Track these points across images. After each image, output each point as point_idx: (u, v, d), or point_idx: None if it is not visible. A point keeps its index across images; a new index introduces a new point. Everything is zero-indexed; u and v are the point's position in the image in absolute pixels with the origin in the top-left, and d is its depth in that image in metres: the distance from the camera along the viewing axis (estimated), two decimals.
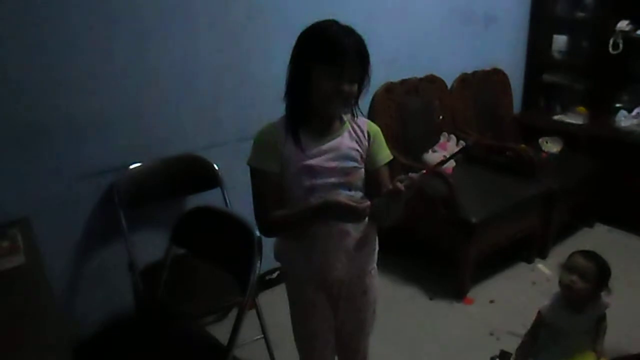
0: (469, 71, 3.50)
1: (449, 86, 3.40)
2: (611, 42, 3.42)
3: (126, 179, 2.26)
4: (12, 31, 1.91)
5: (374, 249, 1.67)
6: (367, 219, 1.50)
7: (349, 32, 1.40)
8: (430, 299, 2.83)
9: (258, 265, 1.57)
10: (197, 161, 2.41)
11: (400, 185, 1.33)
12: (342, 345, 1.76)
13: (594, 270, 1.96)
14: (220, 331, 2.51)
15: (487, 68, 3.62)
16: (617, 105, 3.54)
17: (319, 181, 1.46)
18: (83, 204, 2.24)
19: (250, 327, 2.33)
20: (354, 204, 1.35)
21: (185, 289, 2.11)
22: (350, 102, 1.44)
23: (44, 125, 2.05)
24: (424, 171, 1.40)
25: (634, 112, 3.40)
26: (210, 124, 2.48)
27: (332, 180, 1.47)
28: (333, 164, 1.47)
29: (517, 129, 3.71)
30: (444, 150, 3.15)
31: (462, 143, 3.25)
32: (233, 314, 2.64)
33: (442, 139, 3.22)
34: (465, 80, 3.47)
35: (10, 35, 1.91)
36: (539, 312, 2.10)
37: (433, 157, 3.09)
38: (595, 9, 3.53)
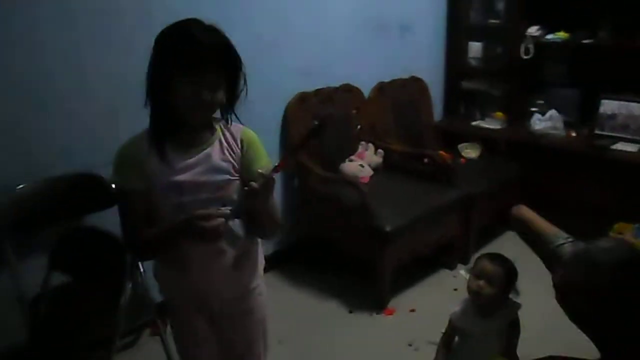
0: (387, 80, 3.49)
1: (366, 95, 3.37)
2: (523, 47, 3.49)
3: (10, 202, 2.09)
4: None
5: (257, 266, 1.58)
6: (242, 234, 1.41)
7: (210, 33, 1.28)
8: (350, 312, 2.75)
9: (127, 288, 1.45)
10: (90, 179, 2.25)
11: (254, 185, 1.24)
12: None
13: (500, 274, 1.92)
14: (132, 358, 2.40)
15: (405, 76, 3.62)
16: (532, 109, 3.59)
17: (188, 198, 1.35)
18: None
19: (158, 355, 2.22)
20: (205, 224, 1.25)
21: (73, 318, 1.95)
22: (214, 111, 1.34)
23: None
24: (278, 163, 1.31)
25: (547, 115, 3.46)
26: (109, 136, 2.34)
27: (203, 196, 1.36)
28: (202, 179, 1.36)
29: (437, 136, 3.73)
30: (361, 160, 3.12)
31: (380, 152, 3.23)
32: (145, 339, 2.54)
33: (361, 148, 3.19)
34: (382, 88, 3.45)
35: None
36: (450, 319, 2.06)
37: (350, 166, 3.05)
38: (507, 16, 3.60)
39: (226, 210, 1.28)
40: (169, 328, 2.37)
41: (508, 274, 1.95)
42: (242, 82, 1.37)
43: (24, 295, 2.02)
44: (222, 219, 1.27)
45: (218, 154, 1.39)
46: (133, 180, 1.35)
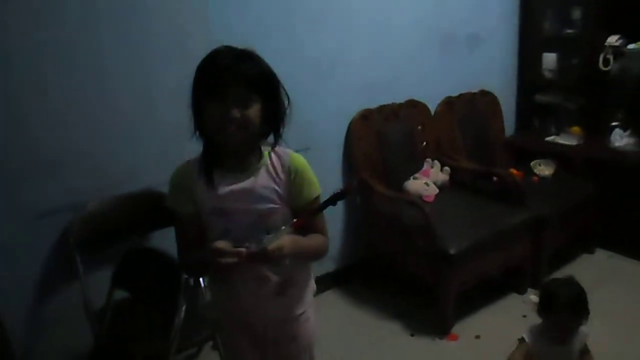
0: (455, 94, 3.39)
1: (432, 111, 3.28)
2: (601, 58, 3.29)
3: (81, 219, 2.18)
4: None
5: (304, 293, 1.55)
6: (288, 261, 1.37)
7: (235, 53, 1.28)
8: (412, 335, 2.67)
9: (182, 308, 1.48)
10: (156, 197, 2.32)
11: (265, 250, 1.25)
12: None
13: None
14: None
15: (475, 90, 3.50)
16: (613, 124, 3.37)
17: (232, 224, 1.36)
18: (37, 246, 2.17)
19: None
20: (219, 259, 1.25)
21: (132, 332, 2.01)
22: (247, 129, 1.29)
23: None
24: (295, 220, 1.31)
25: (629, 131, 3.23)
26: (171, 157, 2.39)
27: (246, 222, 1.37)
28: (245, 206, 1.37)
29: (508, 153, 3.57)
30: (426, 177, 3.04)
31: (446, 170, 3.13)
32: (206, 352, 2.58)
33: (426, 166, 3.11)
34: (450, 103, 3.35)
35: None
36: (523, 340, 1.98)
37: (414, 185, 2.97)
38: (583, 25, 3.40)
39: (245, 248, 1.27)
40: None
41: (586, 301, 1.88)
42: (282, 101, 1.36)
43: (90, 306, 2.11)
44: (236, 259, 1.26)
45: (263, 181, 1.38)
46: (183, 203, 1.39)
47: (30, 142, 2.06)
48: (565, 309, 1.85)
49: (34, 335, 2.25)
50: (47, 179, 2.12)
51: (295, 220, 1.32)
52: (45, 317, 2.25)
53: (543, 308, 1.93)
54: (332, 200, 1.31)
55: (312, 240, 1.43)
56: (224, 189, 1.36)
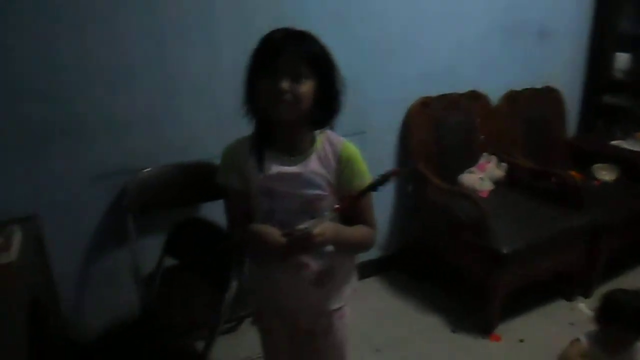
0: (518, 88, 3.26)
1: (493, 103, 3.17)
2: None
3: (137, 183, 2.21)
4: (26, 31, 1.90)
5: (343, 287, 1.51)
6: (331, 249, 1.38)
7: (292, 32, 1.28)
8: (453, 331, 2.61)
9: (234, 283, 1.47)
10: (211, 169, 2.33)
11: (308, 234, 1.23)
12: None
13: None
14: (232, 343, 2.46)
15: (539, 86, 3.36)
16: None
17: (278, 205, 1.35)
18: (93, 206, 2.22)
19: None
20: (270, 239, 1.26)
21: (179, 300, 2.03)
22: (299, 104, 1.26)
23: (58, 125, 2.05)
24: (337, 205, 1.28)
25: None
26: (229, 133, 2.40)
27: (292, 206, 1.35)
28: (293, 190, 1.35)
29: (569, 154, 3.42)
30: (482, 172, 2.95)
31: (503, 166, 3.03)
32: (245, 327, 2.60)
33: (482, 160, 3.02)
34: (512, 97, 3.23)
35: (25, 35, 1.91)
36: (578, 341, 1.93)
37: (469, 178, 2.89)
38: None
39: (290, 233, 1.25)
40: None
41: None
42: (337, 85, 1.33)
43: (139, 271, 2.14)
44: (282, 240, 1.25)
45: (313, 167, 1.36)
46: (233, 180, 1.39)
47: (93, 103, 2.09)
48: (629, 322, 1.78)
49: (82, 295, 2.31)
50: (106, 141, 2.15)
51: (337, 205, 1.29)
52: (95, 277, 2.30)
53: (604, 316, 1.86)
54: (377, 184, 1.28)
55: (357, 231, 1.40)
56: (274, 171, 1.34)
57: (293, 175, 1.34)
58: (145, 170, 2.23)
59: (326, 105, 1.33)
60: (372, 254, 3.02)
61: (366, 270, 2.90)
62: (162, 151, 2.28)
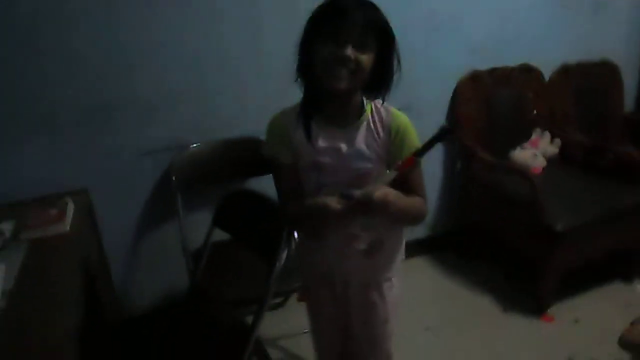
0: (572, 62, 3.12)
1: (546, 77, 3.05)
2: None
3: (185, 158, 2.24)
4: (82, 9, 1.93)
5: (392, 258, 1.48)
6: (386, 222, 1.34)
7: (358, 0, 1.20)
8: (504, 310, 2.55)
9: (284, 255, 1.46)
10: (258, 145, 2.32)
11: (369, 196, 1.17)
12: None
13: None
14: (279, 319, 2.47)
15: (595, 59, 3.20)
16: None
17: (328, 179, 1.31)
18: (143, 180, 2.25)
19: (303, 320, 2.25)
20: (330, 204, 1.20)
21: (229, 275, 2.04)
22: (358, 73, 1.21)
23: (110, 100, 2.08)
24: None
25: None
26: (277, 109, 2.38)
27: (341, 180, 1.30)
28: (343, 163, 1.30)
29: (626, 129, 3.27)
30: (535, 148, 2.84)
31: (557, 142, 2.92)
32: (291, 302, 2.60)
33: (535, 135, 2.91)
34: (566, 71, 3.09)
35: (81, 12, 1.93)
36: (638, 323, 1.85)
37: (521, 155, 2.79)
38: None
39: (350, 196, 1.20)
40: None
41: None
42: (394, 58, 1.27)
43: (188, 246, 2.16)
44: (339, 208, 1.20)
45: (363, 139, 1.31)
46: (281, 151, 1.34)
47: (146, 80, 2.11)
48: None
49: (132, 267, 2.35)
50: (156, 118, 2.17)
51: (401, 162, 1.22)
52: (144, 251, 2.35)
53: None
54: (434, 142, 1.21)
55: (413, 200, 1.34)
56: (322, 143, 1.30)
57: (343, 147, 1.31)
58: (193, 145, 2.24)
59: (381, 78, 1.27)
60: (421, 232, 2.97)
61: (415, 250, 2.85)
62: (209, 127, 2.28)
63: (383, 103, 1.34)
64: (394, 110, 1.36)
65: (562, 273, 2.47)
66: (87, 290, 1.58)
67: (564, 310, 2.52)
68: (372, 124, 1.33)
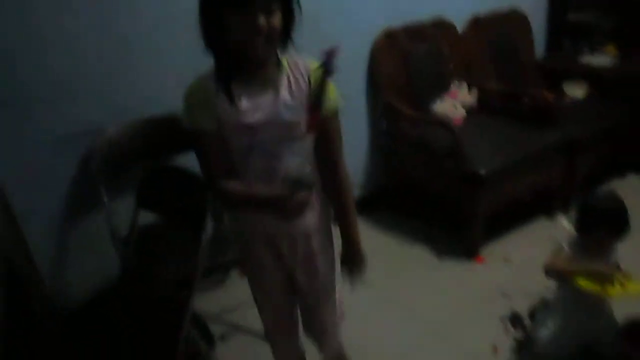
0: (483, 13, 3.21)
1: (460, 30, 3.13)
2: None
3: (102, 143, 2.14)
4: None
5: (317, 210, 1.48)
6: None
7: None
8: (439, 257, 2.65)
9: (209, 227, 1.43)
10: (176, 121, 2.26)
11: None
12: (307, 319, 1.64)
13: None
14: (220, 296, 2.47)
15: (504, 9, 3.31)
16: None
17: (258, 138, 1.29)
18: (61, 170, 2.15)
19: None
20: (288, 205, 1.29)
21: (161, 255, 2.00)
22: (274, 38, 1.21)
23: (19, 87, 1.96)
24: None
25: None
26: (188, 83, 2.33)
27: (272, 136, 1.30)
28: (271, 118, 1.29)
29: (538, 75, 3.42)
30: (454, 100, 2.93)
31: (474, 91, 3.02)
32: (233, 278, 2.59)
33: (453, 88, 2.99)
34: (478, 23, 3.18)
35: None
36: (561, 248, 1.93)
37: (442, 106, 2.87)
38: None
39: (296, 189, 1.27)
40: None
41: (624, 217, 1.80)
42: (298, 9, 1.26)
43: (116, 231, 2.09)
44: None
45: (286, 91, 1.30)
46: (204, 120, 1.28)
47: (46, 65, 2.00)
48: (607, 223, 1.79)
49: (62, 262, 2.26)
50: (64, 103, 2.07)
51: (308, 120, 1.25)
52: (72, 244, 2.25)
53: (583, 224, 1.87)
54: (325, 66, 1.21)
55: (349, 199, 1.46)
56: (247, 103, 1.28)
57: (268, 103, 1.29)
58: (110, 129, 2.16)
59: (289, 28, 1.26)
60: (353, 193, 3.00)
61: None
62: (128, 107, 2.20)
63: (290, 51, 1.33)
64: (309, 59, 1.35)
65: (489, 215, 2.58)
66: (12, 290, 1.51)
67: (494, 251, 2.65)
68: (291, 76, 1.32)
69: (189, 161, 2.13)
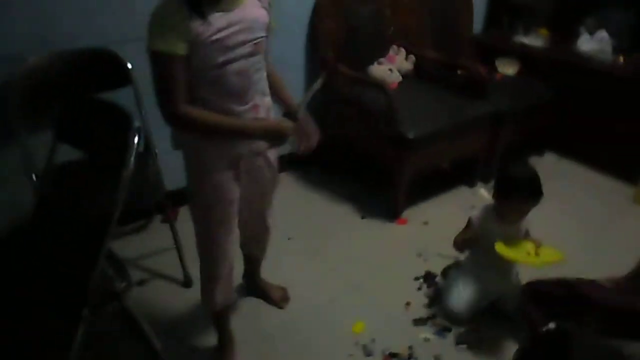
0: None
1: None
2: None
3: (22, 73, 2.00)
4: None
5: None
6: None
7: None
8: (363, 217, 2.71)
9: (131, 163, 1.39)
10: (107, 56, 2.16)
11: None
12: (251, 212, 1.76)
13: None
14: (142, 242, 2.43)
15: None
16: (581, 28, 3.33)
17: (231, 55, 1.37)
18: None
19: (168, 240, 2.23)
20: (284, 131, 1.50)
21: (80, 193, 1.92)
22: None
23: None
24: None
25: (596, 36, 3.21)
26: (125, 16, 2.22)
27: (243, 51, 1.39)
28: (243, 36, 1.37)
29: (474, 49, 3.50)
30: (391, 64, 2.95)
31: (411, 58, 3.05)
32: (155, 225, 2.55)
33: (391, 52, 3.02)
34: None
35: None
36: (469, 221, 2.08)
37: (379, 70, 2.89)
38: None
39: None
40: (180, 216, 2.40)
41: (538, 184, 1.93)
42: None
43: (32, 167, 1.99)
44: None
45: (254, 10, 1.41)
46: (176, 43, 1.30)
47: None
48: (523, 190, 1.89)
49: None
50: None
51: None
52: None
53: (500, 191, 1.97)
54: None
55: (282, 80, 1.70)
56: (219, 21, 1.33)
57: (240, 20, 1.36)
58: (32, 58, 2.02)
59: None
60: (284, 149, 2.99)
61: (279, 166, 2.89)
62: (52, 36, 2.08)
63: None
64: None
65: (414, 179, 2.65)
66: None
67: (416, 214, 2.74)
68: None
69: (117, 98, 2.07)
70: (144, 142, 2.18)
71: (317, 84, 1.54)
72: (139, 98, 2.17)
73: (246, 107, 1.47)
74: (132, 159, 1.44)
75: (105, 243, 1.52)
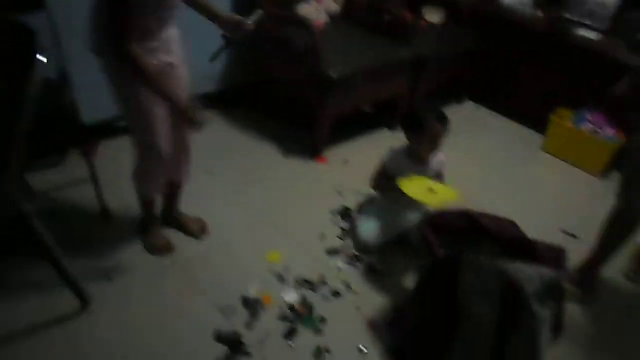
0: None
1: None
2: None
3: None
4: None
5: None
6: None
7: None
8: (285, 155, 2.76)
9: (36, 80, 1.36)
10: None
11: None
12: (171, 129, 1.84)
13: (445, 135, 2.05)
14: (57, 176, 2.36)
15: None
16: None
17: (172, 6, 1.58)
18: None
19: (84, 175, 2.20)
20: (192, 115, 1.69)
21: None
22: None
23: None
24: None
25: None
26: None
27: (177, 3, 1.59)
28: None
29: None
30: (320, 4, 2.96)
31: (340, 0, 3.06)
32: (72, 160, 2.48)
33: None
34: None
35: None
36: (384, 164, 2.18)
37: (306, 9, 2.89)
38: None
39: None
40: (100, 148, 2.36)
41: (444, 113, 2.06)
42: None
43: None
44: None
45: None
46: None
47: None
48: (433, 119, 1.99)
49: None
50: None
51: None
52: None
53: (413, 126, 2.05)
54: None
55: None
56: None
57: None
58: None
59: None
60: (210, 87, 2.98)
61: (204, 104, 2.86)
62: None
63: None
64: None
65: (336, 118, 2.71)
66: None
67: (337, 154, 2.82)
68: None
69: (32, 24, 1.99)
70: (59, 72, 2.11)
71: (253, 19, 1.73)
72: (54, 25, 2.09)
73: (168, 33, 1.65)
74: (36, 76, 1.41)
75: (12, 161, 1.49)
